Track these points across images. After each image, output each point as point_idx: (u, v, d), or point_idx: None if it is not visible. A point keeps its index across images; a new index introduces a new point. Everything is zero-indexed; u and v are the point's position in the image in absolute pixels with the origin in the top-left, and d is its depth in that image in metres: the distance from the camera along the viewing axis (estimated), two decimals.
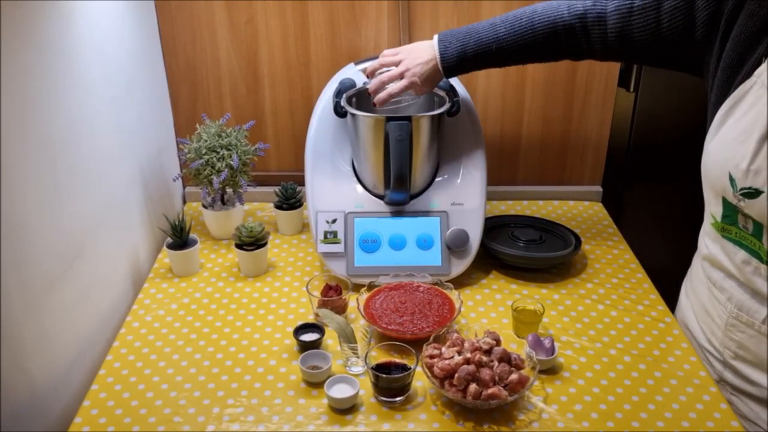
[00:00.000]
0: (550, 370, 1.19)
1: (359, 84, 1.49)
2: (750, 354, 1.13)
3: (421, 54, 1.32)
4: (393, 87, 1.34)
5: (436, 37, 1.32)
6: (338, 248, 1.42)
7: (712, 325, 1.20)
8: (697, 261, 1.28)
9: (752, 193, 1.02)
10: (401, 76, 1.33)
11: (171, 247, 1.47)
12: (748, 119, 1.02)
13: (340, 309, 1.31)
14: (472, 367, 1.09)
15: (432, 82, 1.35)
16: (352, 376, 1.15)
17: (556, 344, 1.21)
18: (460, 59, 1.30)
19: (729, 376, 1.18)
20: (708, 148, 1.11)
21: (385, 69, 1.37)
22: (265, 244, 1.47)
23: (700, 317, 1.25)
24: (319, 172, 1.48)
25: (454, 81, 1.51)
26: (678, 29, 1.14)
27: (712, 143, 1.09)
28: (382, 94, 1.35)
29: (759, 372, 1.13)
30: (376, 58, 1.55)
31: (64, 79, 1.14)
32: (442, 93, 1.46)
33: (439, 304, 1.30)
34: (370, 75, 1.40)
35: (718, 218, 1.12)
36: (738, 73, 1.06)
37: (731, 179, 1.04)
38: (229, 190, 1.61)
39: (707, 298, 1.21)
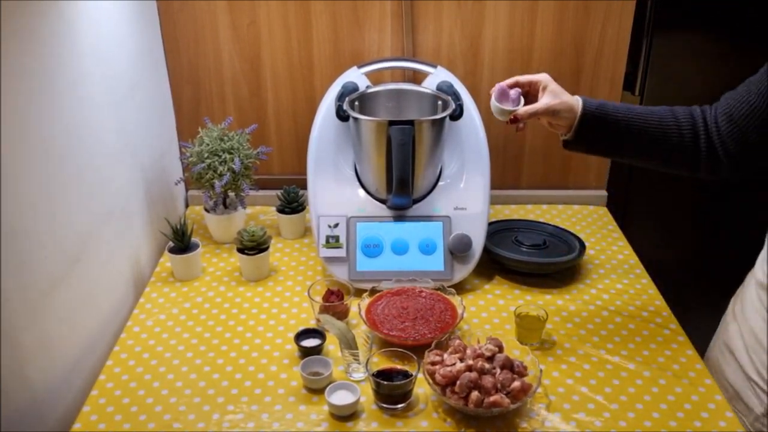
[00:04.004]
0: (553, 378, 1.18)
1: (362, 87, 1.48)
2: None
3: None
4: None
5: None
6: (340, 253, 1.41)
7: (763, 355, 1.15)
8: (751, 285, 1.22)
9: None
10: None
11: (173, 251, 1.46)
12: None
13: (342, 314, 1.30)
14: (474, 374, 1.08)
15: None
16: (353, 382, 1.14)
17: (522, 99, 1.16)
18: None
19: None
20: None
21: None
22: (267, 248, 1.46)
23: (749, 344, 1.19)
24: (322, 176, 1.47)
25: (457, 84, 1.50)
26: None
27: None
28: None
29: None
30: (379, 61, 1.55)
31: (66, 81, 1.14)
32: (445, 96, 1.45)
33: (442, 309, 1.29)
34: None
35: None
36: None
37: None
38: (231, 194, 1.60)
39: (761, 327, 1.16)
